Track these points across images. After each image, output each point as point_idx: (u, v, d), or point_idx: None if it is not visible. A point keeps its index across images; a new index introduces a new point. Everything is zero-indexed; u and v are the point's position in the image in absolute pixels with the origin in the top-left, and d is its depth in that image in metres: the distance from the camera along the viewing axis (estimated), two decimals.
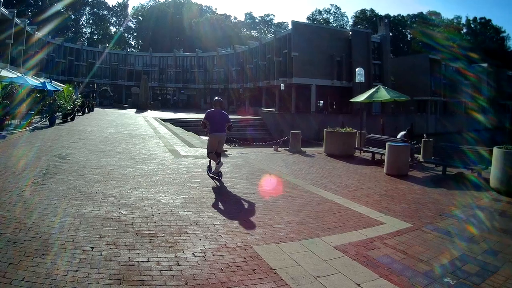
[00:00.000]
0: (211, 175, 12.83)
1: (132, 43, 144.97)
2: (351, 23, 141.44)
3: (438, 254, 6.77)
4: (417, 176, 14.93)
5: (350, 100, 24.60)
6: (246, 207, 9.23)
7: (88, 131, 26.01)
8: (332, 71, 66.54)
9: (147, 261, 5.71)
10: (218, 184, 11.80)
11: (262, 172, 14.35)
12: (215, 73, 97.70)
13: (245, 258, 6.13)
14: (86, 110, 49.60)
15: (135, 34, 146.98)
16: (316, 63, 64.42)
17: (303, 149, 21.58)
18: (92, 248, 6.02)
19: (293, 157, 19.15)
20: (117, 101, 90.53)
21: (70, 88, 36.27)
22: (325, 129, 21.16)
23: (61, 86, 39.18)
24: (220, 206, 9.17)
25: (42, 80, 37.39)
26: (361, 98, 20.90)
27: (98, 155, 15.82)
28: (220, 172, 12.64)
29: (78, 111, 42.57)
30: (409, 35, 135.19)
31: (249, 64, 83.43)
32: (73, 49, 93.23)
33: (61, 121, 31.82)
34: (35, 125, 25.24)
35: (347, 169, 16.11)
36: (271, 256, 6.27)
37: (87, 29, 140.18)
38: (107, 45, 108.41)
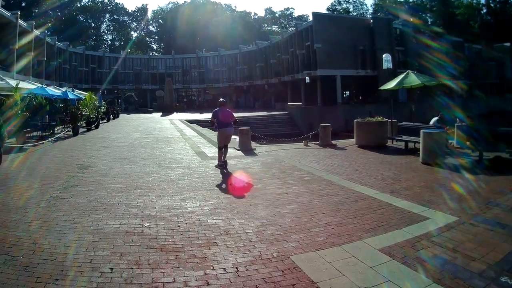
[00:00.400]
0: (218, 164, 14.56)
1: (154, 46, 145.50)
2: (371, 11, 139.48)
3: (491, 250, 6.12)
4: (454, 163, 14.02)
5: (379, 88, 23.72)
6: (280, 209, 8.55)
7: (112, 138, 25.76)
8: (356, 60, 65.26)
9: (173, 282, 5.14)
10: (250, 185, 11.20)
11: (294, 169, 13.63)
12: (239, 71, 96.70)
13: (282, 271, 5.48)
14: (111, 117, 49.60)
15: (156, 37, 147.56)
16: (339, 53, 63.11)
17: (333, 142, 20.84)
18: (112, 269, 5.46)
19: (324, 151, 18.40)
20: (142, 106, 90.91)
21: (93, 96, 36.04)
22: (355, 120, 20.37)
23: (83, 95, 39.02)
24: (252, 210, 8.53)
25: (64, 89, 37.33)
26: (391, 85, 20.05)
27: (122, 163, 15.39)
28: (226, 161, 14.73)
29: (102, 118, 42.50)
30: (429, 19, 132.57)
31: (272, 59, 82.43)
32: (95, 56, 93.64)
33: (86, 129, 31.72)
34: (58, 135, 25.11)
35: (381, 160, 15.32)
36: (311, 266, 5.63)
37: (108, 36, 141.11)
38: (129, 50, 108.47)
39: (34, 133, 24.53)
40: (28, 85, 29.81)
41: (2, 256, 5.82)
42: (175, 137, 26.50)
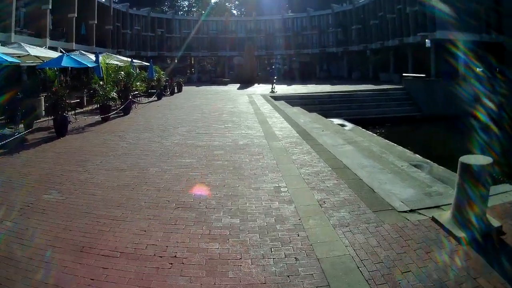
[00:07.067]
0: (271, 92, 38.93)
1: (235, 12, 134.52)
2: None
3: None
4: None
5: None
6: None
7: (123, 145, 13.88)
8: (479, 22, 50.56)
9: None
10: None
11: None
12: (331, 35, 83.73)
13: None
14: (168, 92, 39.55)
15: (236, 2, 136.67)
16: (460, 12, 47.95)
17: None
18: None
19: None
20: (219, 75, 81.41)
21: (109, 60, 24.31)
22: None
23: (125, 62, 27.13)
24: None
25: (78, 54, 25.88)
26: None
27: None
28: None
29: (150, 95, 32.59)
30: None
31: (373, 20, 68.60)
32: (163, 19, 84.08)
33: (100, 119, 20.23)
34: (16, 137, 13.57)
35: None
36: None
37: (185, 2, 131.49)
38: (202, 12, 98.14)
39: None
40: None
41: None
42: (253, 146, 13.69)
